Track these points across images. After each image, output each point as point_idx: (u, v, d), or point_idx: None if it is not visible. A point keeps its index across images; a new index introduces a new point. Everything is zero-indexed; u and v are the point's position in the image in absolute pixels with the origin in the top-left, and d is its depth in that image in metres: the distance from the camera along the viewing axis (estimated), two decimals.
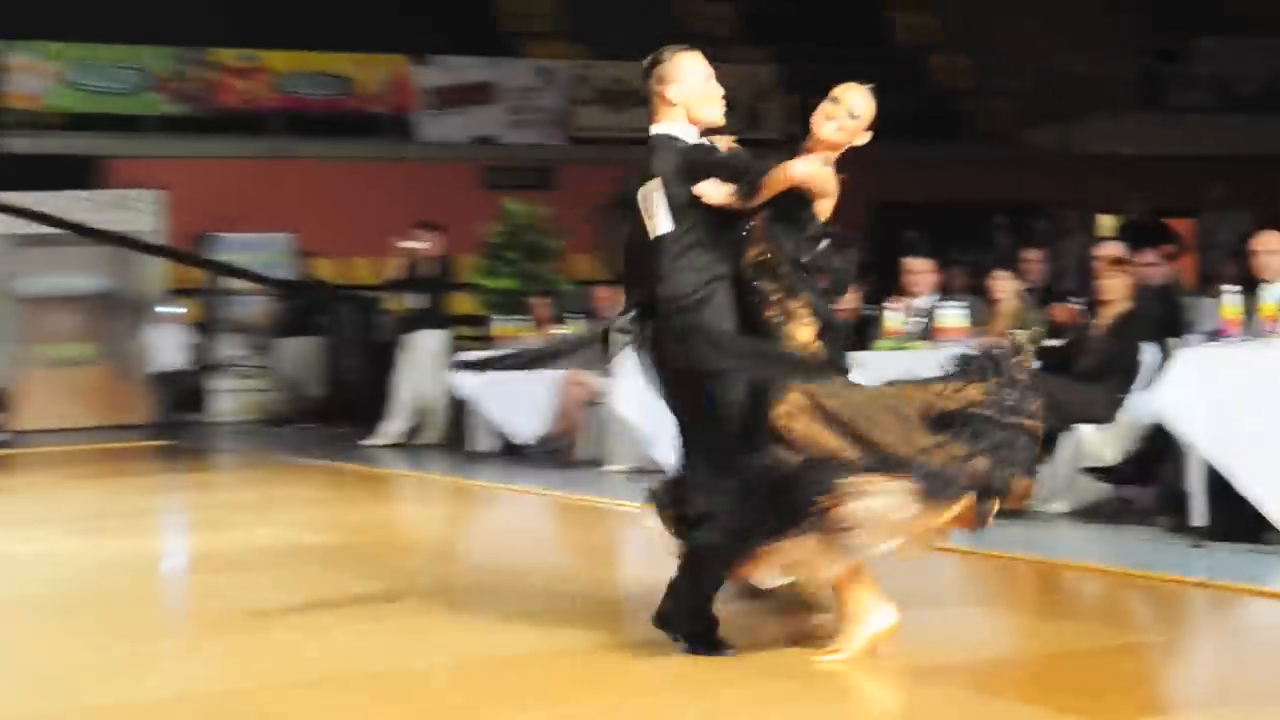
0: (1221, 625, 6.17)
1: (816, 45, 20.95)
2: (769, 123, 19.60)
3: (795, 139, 5.53)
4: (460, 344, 14.99)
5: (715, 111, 5.57)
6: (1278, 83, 21.68)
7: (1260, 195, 15.83)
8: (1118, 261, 9.07)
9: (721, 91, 5.58)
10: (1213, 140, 20.88)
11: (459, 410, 14.29)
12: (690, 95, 5.51)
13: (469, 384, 13.42)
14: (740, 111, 19.29)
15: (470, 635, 6.08)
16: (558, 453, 13.02)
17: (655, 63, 5.56)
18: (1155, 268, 10.85)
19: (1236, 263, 12.18)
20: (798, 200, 5.37)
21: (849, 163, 5.46)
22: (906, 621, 5.42)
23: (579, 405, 12.77)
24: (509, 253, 15.84)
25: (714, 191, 5.39)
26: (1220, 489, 7.62)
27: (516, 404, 13.14)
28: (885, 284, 13.67)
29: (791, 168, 5.35)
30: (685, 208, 5.39)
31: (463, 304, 17.85)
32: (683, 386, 5.44)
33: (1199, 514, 7.59)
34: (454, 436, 14.51)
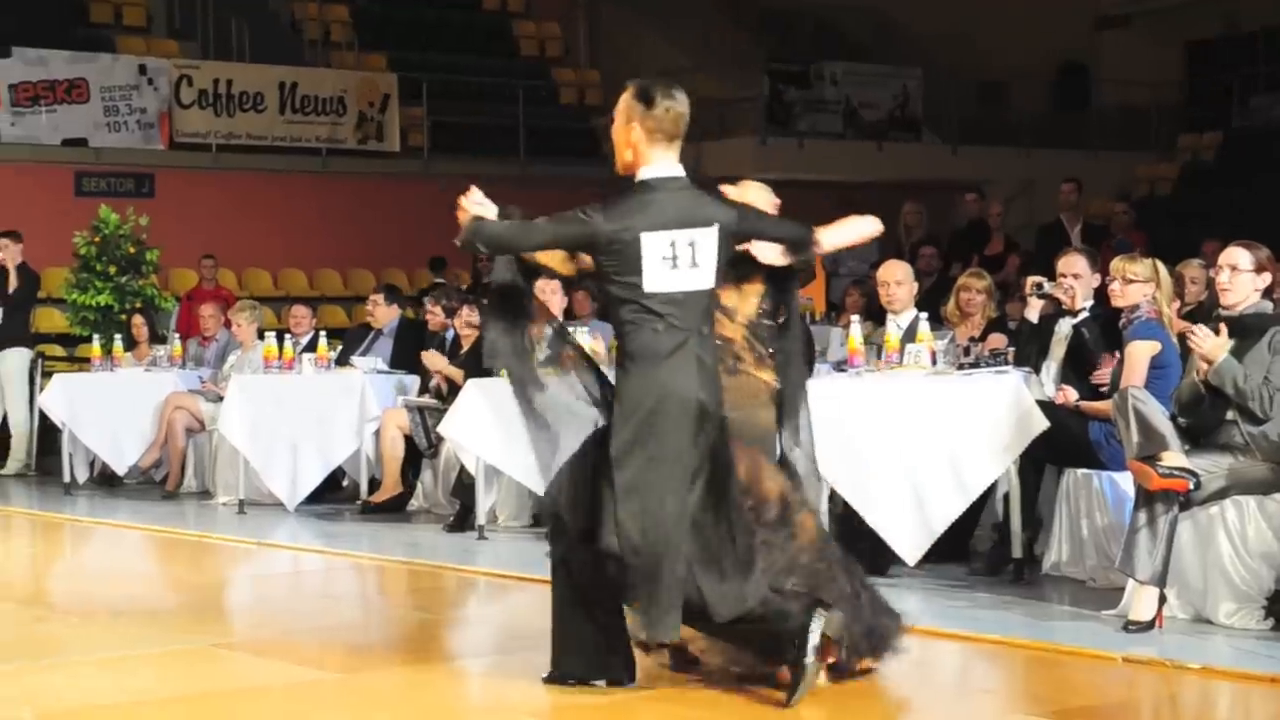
0: None
1: (436, 54, 20.99)
2: (388, 134, 19.43)
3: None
4: (48, 365, 14.44)
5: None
6: (901, 110, 22.78)
7: (885, 222, 16.54)
8: None
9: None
10: (839, 166, 21.78)
11: (48, 437, 13.84)
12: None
13: (61, 408, 12.94)
14: (358, 121, 19.40)
15: (57, 683, 5.91)
16: (160, 483, 12.73)
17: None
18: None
19: (862, 291, 12.76)
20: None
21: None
22: None
23: (183, 432, 12.50)
24: (102, 265, 15.35)
25: (769, 253, 5.76)
26: (844, 521, 7.98)
27: (115, 430, 12.76)
28: None
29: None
30: (724, 265, 5.49)
31: (51, 321, 17.24)
32: None
33: None
34: (41, 466, 14.06)
